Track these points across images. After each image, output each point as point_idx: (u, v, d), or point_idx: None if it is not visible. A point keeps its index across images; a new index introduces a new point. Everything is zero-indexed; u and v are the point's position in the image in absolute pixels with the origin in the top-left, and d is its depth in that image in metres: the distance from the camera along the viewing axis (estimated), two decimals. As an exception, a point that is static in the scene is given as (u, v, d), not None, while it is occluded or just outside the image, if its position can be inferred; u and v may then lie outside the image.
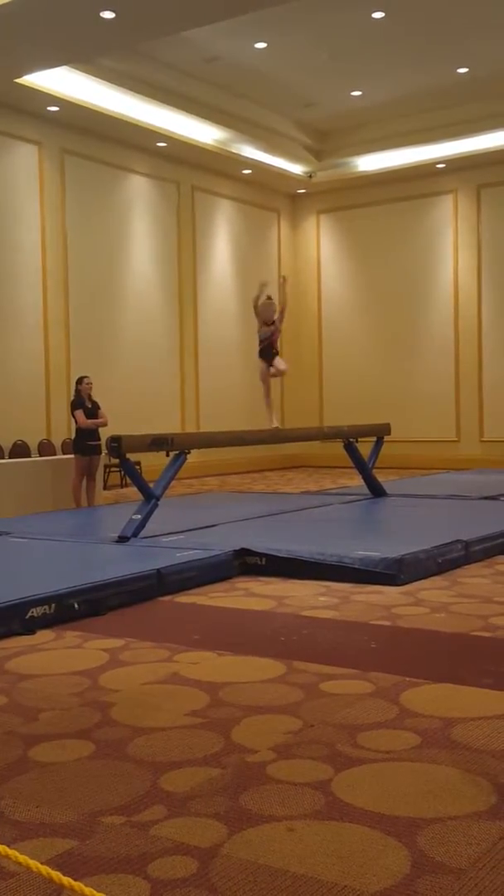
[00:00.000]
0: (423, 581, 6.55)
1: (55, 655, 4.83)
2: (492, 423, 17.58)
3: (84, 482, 11.08)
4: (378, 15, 12.93)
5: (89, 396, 11.20)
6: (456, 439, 17.93)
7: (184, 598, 6.17)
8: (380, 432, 11.63)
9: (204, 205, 17.27)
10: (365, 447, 11.23)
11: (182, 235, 16.81)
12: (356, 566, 6.60)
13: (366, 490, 11.23)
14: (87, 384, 11.20)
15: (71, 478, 11.08)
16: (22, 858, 2.27)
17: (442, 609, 5.68)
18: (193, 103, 15.19)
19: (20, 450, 13.25)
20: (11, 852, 2.32)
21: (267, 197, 18.73)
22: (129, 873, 2.52)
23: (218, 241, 17.68)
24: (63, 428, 14.01)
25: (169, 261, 16.56)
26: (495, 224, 17.52)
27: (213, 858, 2.59)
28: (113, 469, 13.77)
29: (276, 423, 10.54)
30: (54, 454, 13.46)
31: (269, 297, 10.44)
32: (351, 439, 11.03)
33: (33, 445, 13.58)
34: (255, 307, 10.15)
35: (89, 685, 4.26)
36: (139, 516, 7.94)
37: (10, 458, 12.80)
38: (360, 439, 11.12)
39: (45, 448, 13.71)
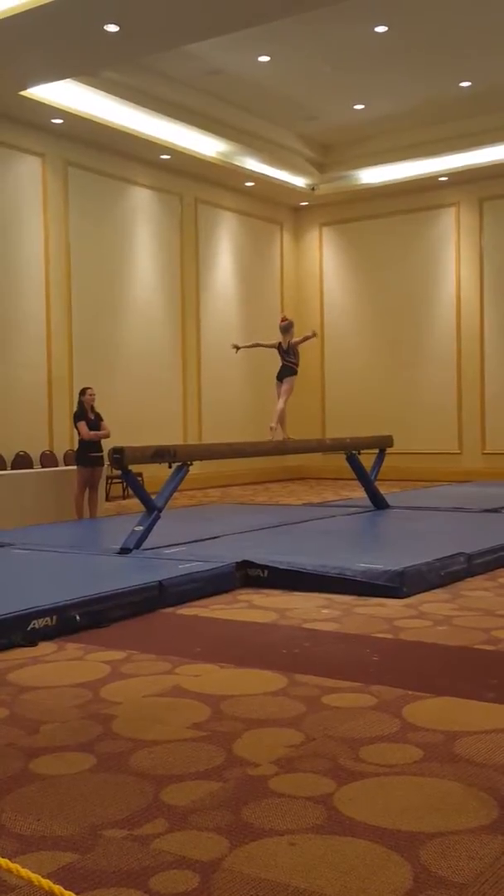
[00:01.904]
0: (425, 594, 6.53)
1: (57, 667, 4.82)
2: (494, 436, 17.58)
3: (86, 493, 11.08)
4: (381, 29, 12.99)
5: (92, 408, 11.21)
6: (458, 451, 17.93)
7: (186, 611, 6.16)
8: (382, 444, 11.64)
9: (207, 217, 17.33)
10: (367, 459, 11.23)
11: (185, 247, 16.86)
12: (358, 578, 6.59)
13: (368, 502, 11.22)
14: (90, 395, 11.21)
15: (73, 489, 11.09)
16: (23, 872, 2.26)
17: (444, 622, 5.67)
18: (196, 116, 15.26)
19: (22, 461, 13.25)
20: (13, 866, 2.32)
21: (270, 209, 18.79)
22: (130, 887, 2.51)
23: (221, 254, 17.73)
24: (65, 439, 14.02)
25: (172, 273, 16.60)
26: (497, 237, 17.56)
27: (214, 872, 2.58)
28: (115, 480, 13.77)
29: (273, 425, 10.66)
30: (56, 465, 13.46)
31: (283, 319, 10.67)
32: (353, 451, 11.03)
33: (35, 457, 13.59)
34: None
35: (91, 697, 4.25)
36: (141, 528, 7.94)
37: (12, 469, 12.81)
38: (362, 451, 11.12)
39: (48, 459, 13.71)
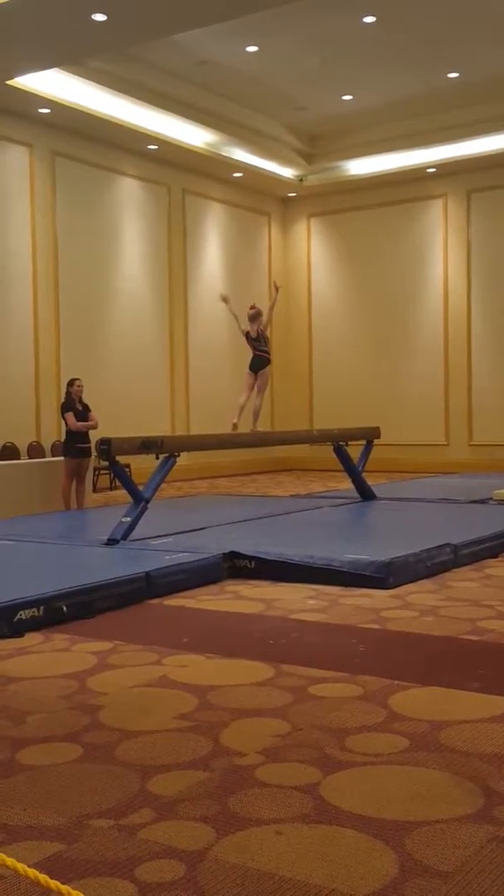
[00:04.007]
0: (411, 584, 6.56)
1: (43, 658, 4.82)
2: (480, 427, 17.62)
3: (73, 485, 11.06)
4: (369, 19, 12.96)
5: (80, 399, 11.18)
6: (445, 443, 17.97)
7: (173, 601, 6.16)
8: (369, 435, 11.66)
9: (194, 208, 17.28)
10: (354, 450, 11.25)
11: (172, 238, 16.81)
12: (345, 569, 6.60)
13: (355, 493, 11.24)
14: (79, 387, 11.18)
15: (60, 480, 11.06)
16: (10, 861, 2.26)
17: (430, 612, 5.69)
18: (184, 106, 15.20)
19: (9, 452, 13.21)
20: (-1, 855, 2.32)
21: (257, 200, 18.75)
22: (116, 876, 2.52)
23: (208, 245, 17.69)
24: (52, 430, 13.98)
25: (159, 264, 16.56)
26: (485, 229, 17.57)
27: (200, 862, 2.59)
28: (102, 471, 13.74)
29: (254, 427, 10.78)
30: (44, 456, 13.43)
31: (252, 307, 10.61)
32: (340, 442, 11.05)
33: (23, 447, 13.55)
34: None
35: (77, 688, 4.25)
36: (128, 519, 7.93)
37: (-1, 460, 12.77)
38: (349, 442, 11.14)
39: (35, 450, 13.67)
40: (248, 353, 10.77)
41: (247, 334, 10.46)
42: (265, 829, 2.78)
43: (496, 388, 17.44)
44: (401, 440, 17.15)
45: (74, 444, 11.00)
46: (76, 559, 7.27)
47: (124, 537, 7.75)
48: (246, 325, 10.52)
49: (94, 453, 11.09)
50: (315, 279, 19.37)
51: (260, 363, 10.53)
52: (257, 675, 4.40)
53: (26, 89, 12.90)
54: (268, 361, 10.57)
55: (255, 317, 10.49)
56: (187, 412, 17.03)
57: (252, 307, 10.78)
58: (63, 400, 11.41)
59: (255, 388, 10.67)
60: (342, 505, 10.80)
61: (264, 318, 10.57)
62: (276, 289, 11.43)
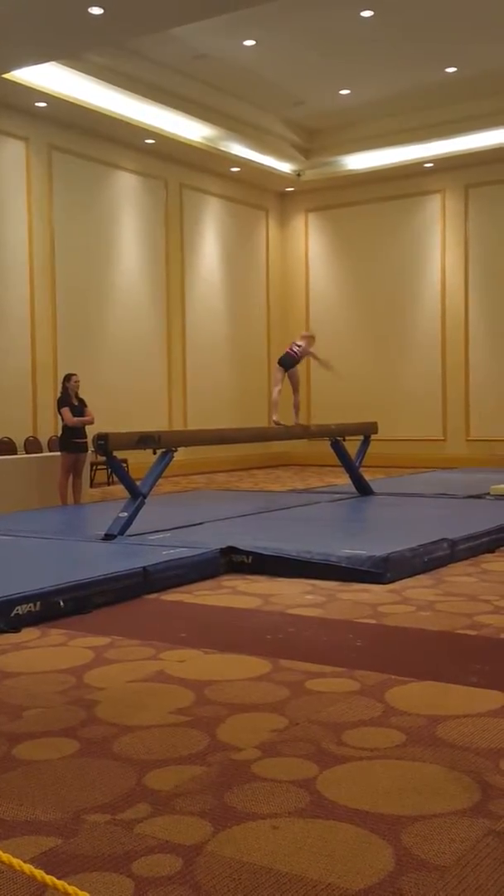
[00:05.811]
0: (409, 579, 6.56)
1: (40, 653, 4.81)
2: (478, 422, 17.63)
3: (70, 480, 11.06)
4: (367, 14, 12.94)
5: (76, 394, 11.17)
6: (442, 438, 17.97)
7: (170, 597, 6.16)
8: (367, 431, 11.65)
9: (192, 202, 17.25)
10: (352, 446, 11.25)
11: (170, 233, 16.79)
12: (342, 564, 6.61)
13: (353, 488, 11.25)
14: (75, 382, 11.17)
15: (57, 475, 11.05)
16: (5, 857, 2.26)
17: (427, 607, 5.69)
18: (182, 100, 15.17)
19: (6, 447, 13.21)
20: (-5, 850, 2.31)
21: (255, 195, 18.72)
22: (113, 871, 2.52)
23: (206, 239, 17.67)
24: (49, 425, 13.97)
25: (157, 258, 16.54)
26: (483, 224, 17.56)
27: (197, 856, 2.59)
28: (100, 467, 13.73)
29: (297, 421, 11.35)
30: (40, 451, 13.42)
31: (307, 331, 11.32)
32: (338, 438, 11.06)
33: (19, 442, 13.54)
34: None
35: (74, 683, 4.25)
36: (126, 514, 7.93)
37: (-4, 455, 12.75)
38: (347, 438, 11.15)
39: (32, 445, 13.67)
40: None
41: (292, 344, 11.08)
42: (262, 824, 2.78)
43: (494, 382, 17.45)
44: (398, 435, 17.16)
45: (71, 440, 10.99)
46: (73, 554, 7.26)
47: (121, 532, 7.75)
48: (296, 340, 11.25)
49: (91, 448, 11.09)
50: (312, 274, 19.35)
51: (291, 361, 10.87)
52: (254, 669, 4.40)
53: (23, 83, 12.87)
54: (297, 361, 10.97)
55: (308, 341, 11.17)
56: (184, 407, 17.02)
57: (307, 331, 11.38)
58: (60, 395, 11.40)
59: (292, 388, 11.07)
60: (340, 500, 10.80)
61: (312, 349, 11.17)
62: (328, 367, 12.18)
